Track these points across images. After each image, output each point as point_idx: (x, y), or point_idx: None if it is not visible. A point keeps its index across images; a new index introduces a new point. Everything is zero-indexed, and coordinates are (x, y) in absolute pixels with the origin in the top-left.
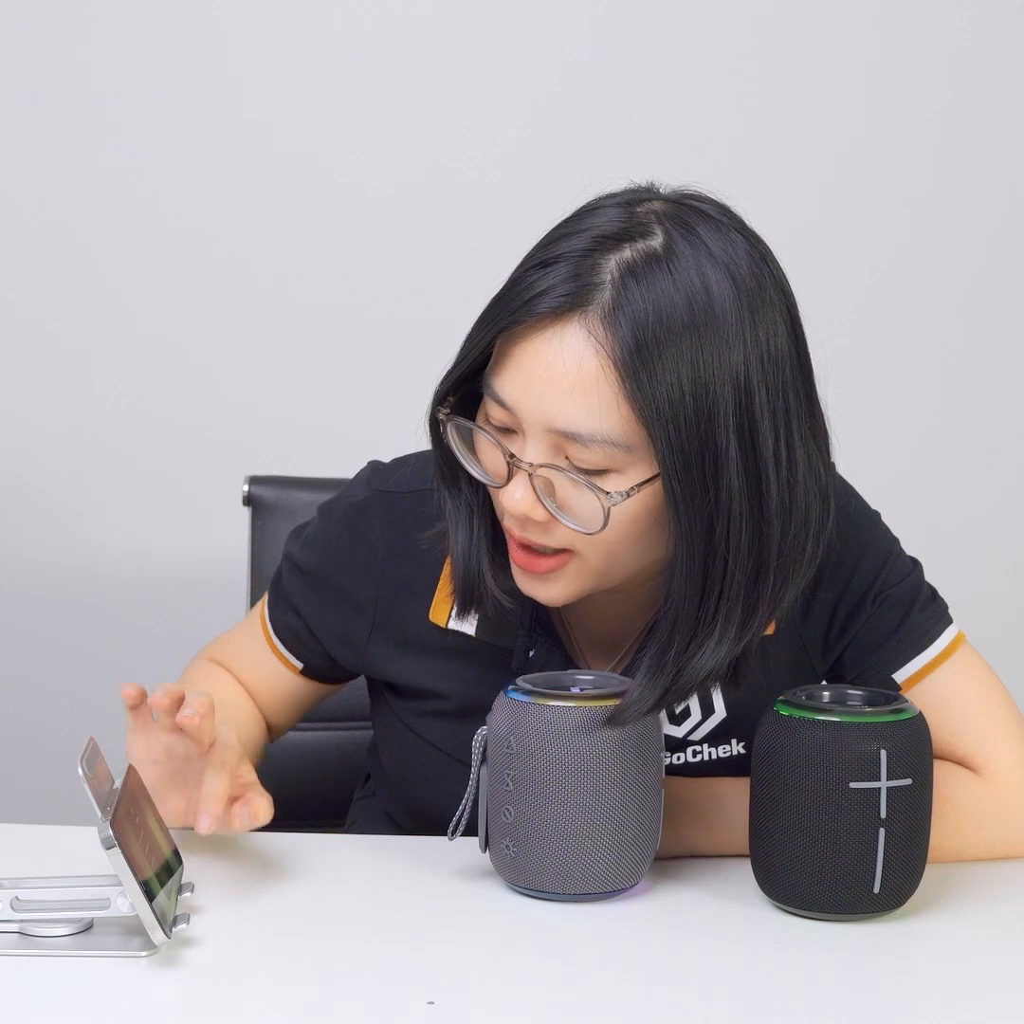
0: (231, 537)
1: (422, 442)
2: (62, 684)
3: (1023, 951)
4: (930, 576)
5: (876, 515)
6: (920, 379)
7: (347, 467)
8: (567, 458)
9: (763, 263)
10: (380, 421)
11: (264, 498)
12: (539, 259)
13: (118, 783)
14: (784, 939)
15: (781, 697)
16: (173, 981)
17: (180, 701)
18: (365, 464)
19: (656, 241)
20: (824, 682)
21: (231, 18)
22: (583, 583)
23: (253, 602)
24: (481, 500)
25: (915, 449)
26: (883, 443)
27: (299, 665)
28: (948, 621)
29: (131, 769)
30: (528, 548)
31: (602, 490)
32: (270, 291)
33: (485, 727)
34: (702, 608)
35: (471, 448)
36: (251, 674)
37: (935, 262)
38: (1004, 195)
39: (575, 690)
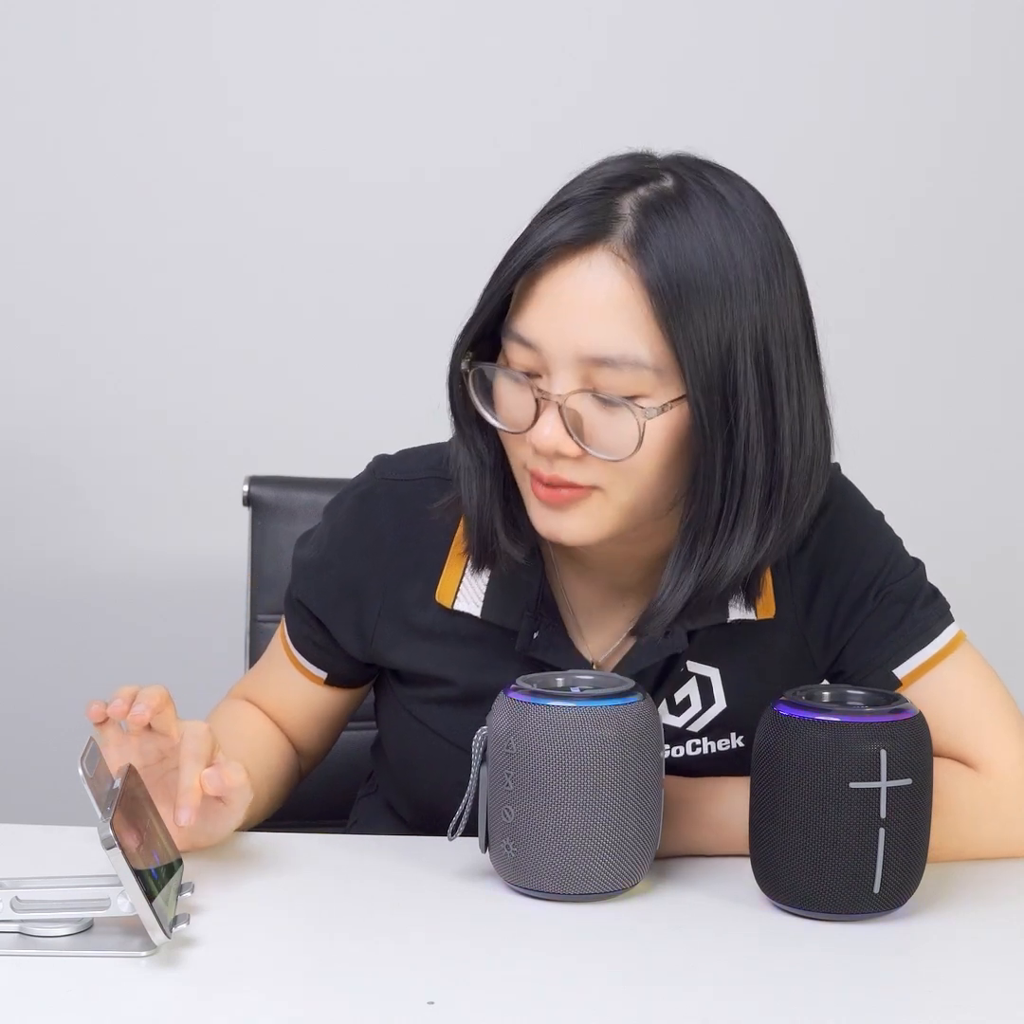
0: (231, 537)
1: (423, 440)
2: (62, 684)
3: (1023, 951)
4: (930, 578)
5: (879, 515)
6: (921, 381)
7: (347, 467)
8: (595, 388)
9: (772, 214)
10: (380, 421)
11: (264, 498)
12: (551, 207)
13: (118, 783)
14: (784, 939)
15: (781, 697)
16: (173, 981)
17: (132, 700)
18: (369, 460)
19: (668, 183)
20: (825, 682)
21: (229, 22)
22: (606, 521)
23: (253, 602)
24: (494, 459)
25: (915, 451)
26: (883, 445)
27: (322, 675)
28: (949, 620)
29: (131, 769)
30: (550, 484)
31: (637, 406)
32: (270, 292)
33: (485, 727)
34: (721, 521)
35: (491, 401)
36: (279, 698)
37: (935, 266)
38: (1004, 198)
39: (575, 690)
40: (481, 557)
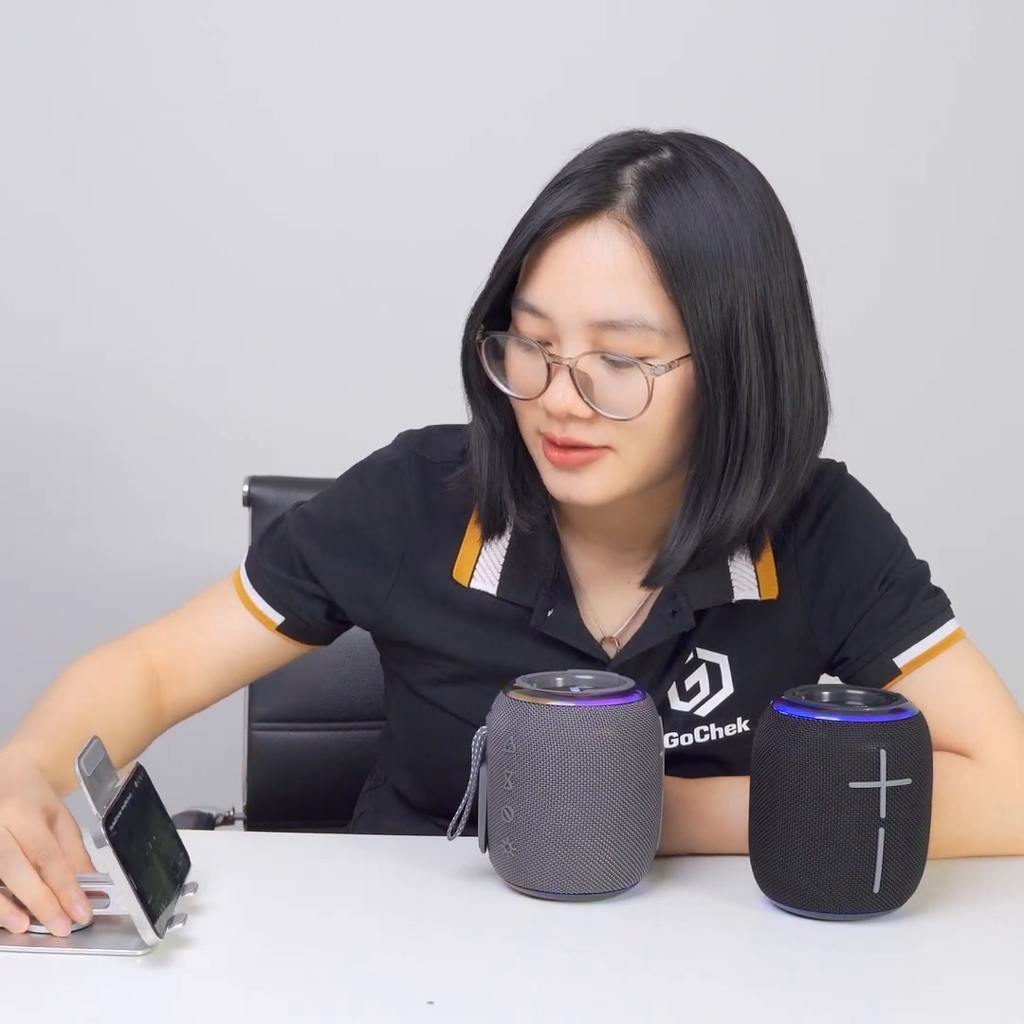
0: (231, 537)
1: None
2: None
3: (1023, 950)
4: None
5: (887, 514)
6: (921, 383)
7: (347, 467)
8: (604, 350)
9: (766, 183)
10: (380, 422)
11: (264, 498)
12: (556, 182)
13: (121, 782)
14: (784, 939)
15: (781, 697)
16: (173, 981)
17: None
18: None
19: (666, 155)
20: (823, 681)
21: (238, 19)
22: (620, 480)
23: None
24: (504, 429)
25: (915, 455)
26: (882, 449)
27: (278, 620)
28: (950, 615)
29: (138, 767)
30: (563, 447)
31: (646, 364)
32: (271, 291)
33: (485, 727)
34: (725, 475)
35: (503, 370)
36: (204, 627)
37: (934, 260)
38: (1005, 194)
39: (575, 690)
40: (490, 526)
